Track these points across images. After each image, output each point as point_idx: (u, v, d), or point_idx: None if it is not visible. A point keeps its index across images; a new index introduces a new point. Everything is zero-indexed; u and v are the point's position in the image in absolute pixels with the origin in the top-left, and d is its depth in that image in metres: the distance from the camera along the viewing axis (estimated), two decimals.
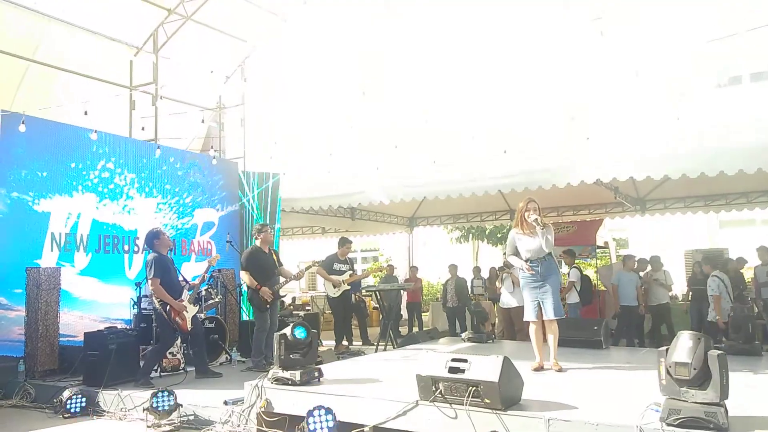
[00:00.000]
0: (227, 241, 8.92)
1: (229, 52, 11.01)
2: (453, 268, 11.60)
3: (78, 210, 7.68)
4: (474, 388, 3.90)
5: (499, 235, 17.50)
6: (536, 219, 5.41)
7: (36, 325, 6.68)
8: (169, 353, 6.71)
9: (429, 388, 4.09)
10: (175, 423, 5.07)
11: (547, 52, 8.39)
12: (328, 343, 9.16)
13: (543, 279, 5.48)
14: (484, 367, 3.94)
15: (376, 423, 4.19)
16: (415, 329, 12.34)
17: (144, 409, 5.18)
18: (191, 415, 5.15)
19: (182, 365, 6.83)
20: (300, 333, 5.05)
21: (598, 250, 13.68)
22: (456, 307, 11.24)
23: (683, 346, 3.51)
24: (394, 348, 8.30)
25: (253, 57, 11.17)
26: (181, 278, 6.70)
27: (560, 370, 5.39)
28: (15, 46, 8.51)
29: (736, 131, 6.78)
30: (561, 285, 6.40)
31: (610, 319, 9.00)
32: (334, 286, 8.72)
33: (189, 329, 6.44)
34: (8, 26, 8.63)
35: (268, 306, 6.88)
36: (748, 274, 10.47)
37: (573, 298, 9.13)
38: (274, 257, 7.19)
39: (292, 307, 14.49)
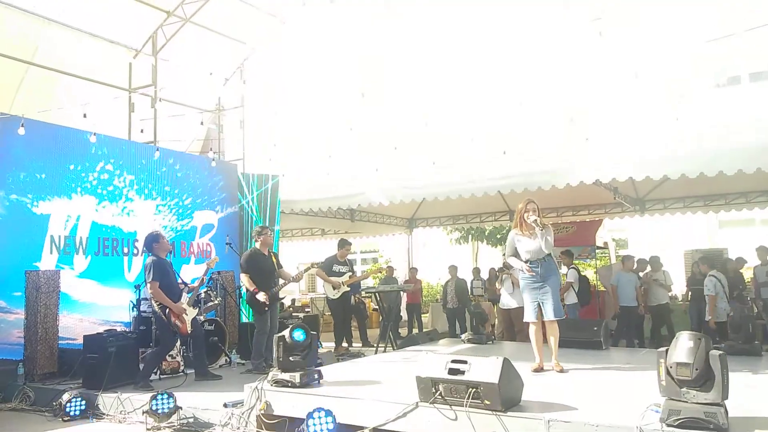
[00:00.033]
0: (227, 243, 8.92)
1: (228, 54, 11.02)
2: (453, 269, 11.60)
3: (77, 212, 7.67)
4: (474, 389, 3.90)
5: (498, 236, 17.51)
6: (535, 220, 5.40)
7: (35, 328, 6.68)
8: (169, 355, 6.70)
9: (429, 389, 4.09)
10: (174, 426, 5.06)
11: (546, 53, 8.39)
12: (327, 344, 9.15)
13: (543, 280, 5.47)
14: (484, 368, 3.93)
15: (376, 425, 4.19)
16: (415, 330, 12.34)
17: (143, 412, 5.18)
18: (191, 417, 5.14)
19: (182, 368, 6.82)
20: (298, 335, 5.05)
21: (597, 251, 13.67)
22: (456, 308, 11.23)
23: (684, 346, 3.49)
24: (393, 349, 8.30)
25: (252, 59, 11.17)
26: (179, 281, 6.70)
27: (562, 371, 5.39)
28: (14, 49, 8.50)
29: (735, 131, 6.79)
30: (560, 285, 6.40)
31: (610, 319, 9.00)
32: (334, 288, 8.73)
33: (189, 332, 6.43)
34: (7, 29, 8.62)
35: (266, 308, 6.87)
36: (747, 274, 10.47)
37: (571, 298, 9.11)
38: (274, 259, 7.19)
39: (291, 308, 14.51)
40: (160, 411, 5.07)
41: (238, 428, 4.76)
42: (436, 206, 12.11)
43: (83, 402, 5.63)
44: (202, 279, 6.87)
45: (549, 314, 5.44)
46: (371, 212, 12.97)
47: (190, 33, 10.28)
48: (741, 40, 7.44)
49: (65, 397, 5.71)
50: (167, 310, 6.24)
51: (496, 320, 10.07)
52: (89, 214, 7.80)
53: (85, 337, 6.54)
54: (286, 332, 5.07)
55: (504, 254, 7.65)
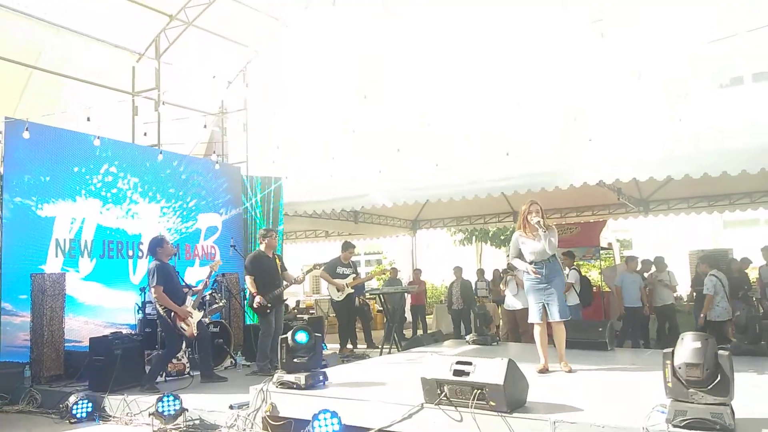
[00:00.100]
0: (231, 246, 8.94)
1: (231, 57, 11.06)
2: (458, 270, 11.60)
3: (82, 215, 7.70)
4: (479, 390, 3.89)
5: (502, 237, 17.50)
6: (539, 221, 5.40)
7: (41, 331, 6.71)
8: (174, 358, 6.71)
9: (434, 391, 4.09)
10: (180, 427, 5.06)
11: (548, 54, 8.41)
12: (332, 346, 9.15)
13: (547, 281, 5.46)
14: (489, 369, 3.93)
15: (382, 426, 4.19)
16: (420, 332, 12.32)
17: (150, 414, 5.20)
18: (197, 419, 5.15)
19: (187, 370, 6.84)
20: (301, 337, 5.06)
21: (601, 252, 13.67)
22: (461, 309, 11.23)
23: (691, 347, 3.46)
24: (398, 351, 8.28)
25: (255, 62, 11.22)
26: (183, 284, 6.72)
27: (570, 371, 5.38)
28: (18, 53, 8.55)
29: (738, 132, 6.78)
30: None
31: (615, 320, 8.98)
32: (338, 290, 8.73)
33: (194, 334, 6.45)
34: (11, 33, 8.67)
35: (268, 311, 6.89)
36: (753, 274, 10.44)
37: (572, 299, 9.06)
38: (278, 262, 7.20)
39: (296, 310, 14.49)
40: (166, 413, 5.08)
41: (244, 430, 4.77)
42: (440, 208, 12.12)
43: (90, 404, 5.65)
44: (206, 282, 6.89)
45: (555, 315, 5.42)
46: (375, 214, 12.98)
47: (193, 36, 10.32)
48: (742, 40, 7.44)
49: (72, 399, 5.73)
50: (172, 314, 6.26)
51: (501, 321, 10.07)
52: (94, 217, 7.83)
53: (91, 339, 6.57)
54: (288, 335, 5.09)
55: (508, 255, 7.65)
